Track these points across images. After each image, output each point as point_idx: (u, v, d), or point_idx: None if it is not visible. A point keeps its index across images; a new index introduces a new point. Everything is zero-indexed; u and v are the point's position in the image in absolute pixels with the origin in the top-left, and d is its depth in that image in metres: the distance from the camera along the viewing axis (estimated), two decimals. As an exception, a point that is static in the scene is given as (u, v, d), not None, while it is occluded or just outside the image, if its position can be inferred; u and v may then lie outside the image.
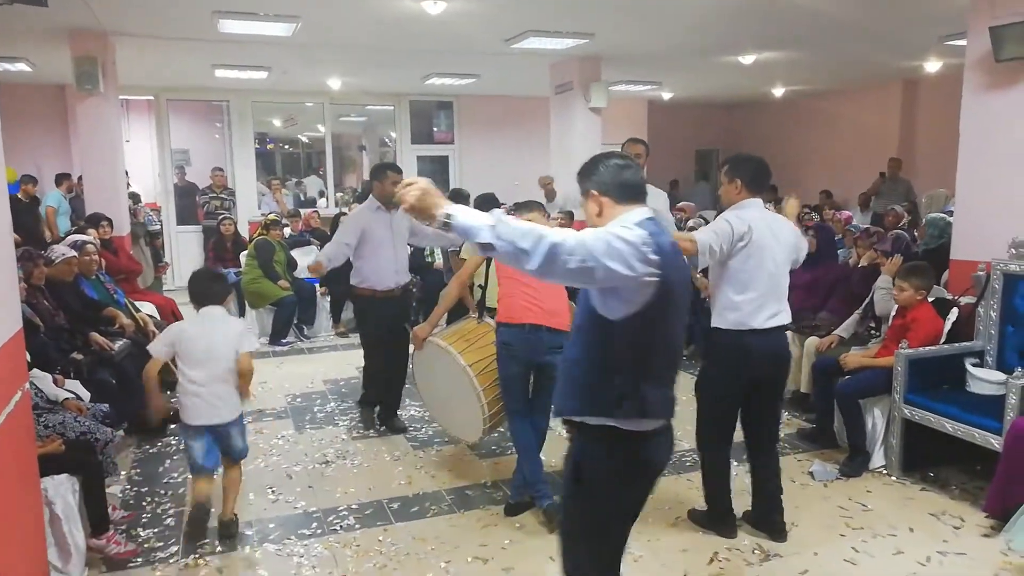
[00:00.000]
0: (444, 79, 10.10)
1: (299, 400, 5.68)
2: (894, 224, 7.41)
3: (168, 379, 5.66)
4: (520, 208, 4.26)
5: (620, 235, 1.93)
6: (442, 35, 7.15)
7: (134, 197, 9.86)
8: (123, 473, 4.20)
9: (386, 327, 4.83)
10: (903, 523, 3.65)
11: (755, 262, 3.30)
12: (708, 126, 14.65)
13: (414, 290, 6.41)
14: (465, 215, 1.86)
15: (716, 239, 3.24)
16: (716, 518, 3.59)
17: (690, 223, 7.76)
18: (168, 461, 4.47)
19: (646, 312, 1.98)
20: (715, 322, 3.43)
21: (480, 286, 4.24)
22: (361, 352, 6.59)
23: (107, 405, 3.92)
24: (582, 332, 2.14)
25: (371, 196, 4.87)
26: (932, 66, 9.46)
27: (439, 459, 4.51)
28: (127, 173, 9.86)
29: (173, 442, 4.75)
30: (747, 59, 8.57)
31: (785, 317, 3.44)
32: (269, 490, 4.07)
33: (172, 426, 4.94)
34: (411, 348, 4.35)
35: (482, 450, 4.61)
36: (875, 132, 11.78)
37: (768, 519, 3.55)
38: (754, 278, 3.31)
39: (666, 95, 12.43)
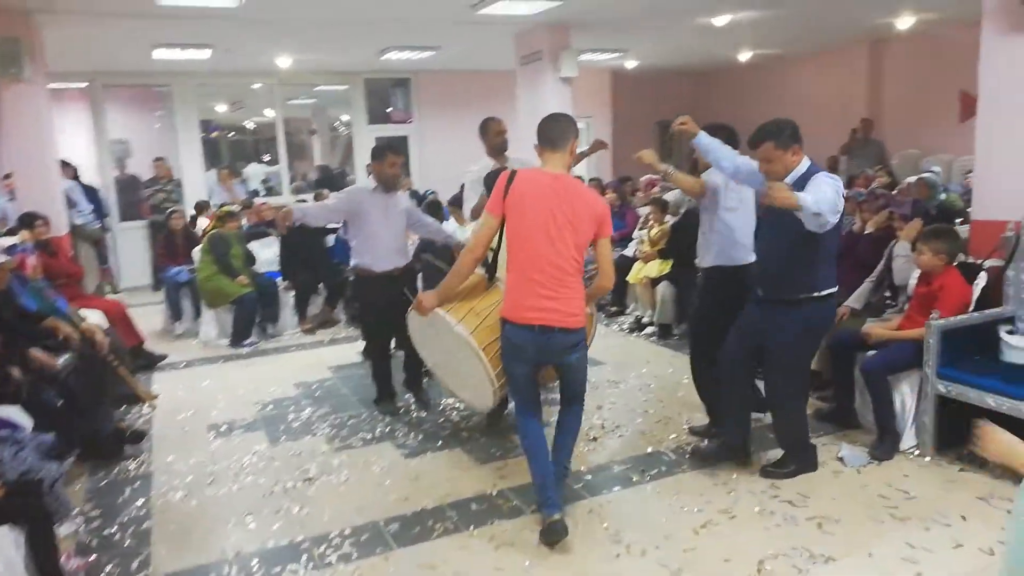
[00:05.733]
0: (403, 53, 9.53)
1: (270, 408, 5.17)
2: (866, 186, 7.24)
3: (123, 392, 5.18)
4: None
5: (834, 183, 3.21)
6: (405, 1, 6.62)
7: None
8: (76, 509, 3.66)
9: (386, 307, 4.66)
10: (953, 510, 3.35)
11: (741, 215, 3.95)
12: (671, 97, 14.27)
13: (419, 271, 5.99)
14: (803, 200, 2.96)
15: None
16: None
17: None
18: (128, 489, 3.94)
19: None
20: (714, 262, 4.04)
21: (492, 249, 3.65)
22: (328, 352, 6.15)
23: (51, 435, 3.38)
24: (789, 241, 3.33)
25: (370, 176, 4.79)
26: (904, 23, 9.21)
27: (434, 468, 4.07)
28: (72, 165, 9.23)
29: (131, 467, 4.23)
30: (720, 20, 8.20)
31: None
32: (247, 517, 3.59)
33: (129, 447, 4.44)
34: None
35: (482, 454, 4.19)
36: (841, 96, 11.56)
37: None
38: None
39: (630, 64, 12.03)
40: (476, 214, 5.15)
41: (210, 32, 7.68)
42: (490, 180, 4.31)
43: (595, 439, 4.37)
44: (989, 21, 4.22)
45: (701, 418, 4.47)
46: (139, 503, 3.78)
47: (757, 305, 3.60)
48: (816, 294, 3.44)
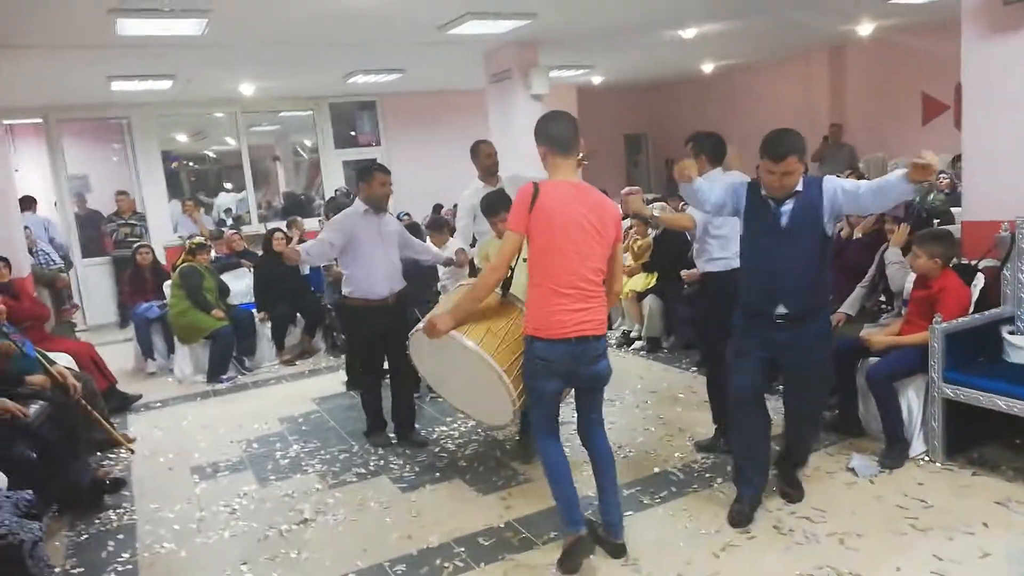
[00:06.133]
0: (368, 76, 9.39)
1: (256, 446, 4.96)
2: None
3: (98, 437, 4.93)
4: (494, 211, 4.10)
5: None
6: (372, 23, 6.51)
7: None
8: (58, 568, 3.43)
9: (380, 338, 4.48)
10: (973, 518, 3.28)
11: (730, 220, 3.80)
12: (636, 111, 14.42)
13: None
14: None
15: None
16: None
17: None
18: (111, 543, 3.71)
19: None
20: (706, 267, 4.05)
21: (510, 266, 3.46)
22: (310, 383, 5.97)
23: (29, 492, 3.15)
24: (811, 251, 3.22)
25: (357, 199, 4.53)
26: (864, 29, 9.36)
27: (435, 501, 3.91)
28: (32, 202, 9.04)
29: (113, 518, 3.98)
30: (688, 33, 8.23)
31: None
32: (243, 566, 3.38)
33: (109, 497, 4.20)
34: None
35: (483, 484, 4.03)
36: (804, 102, 11.71)
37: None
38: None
39: (596, 80, 12.05)
40: (461, 263, 5.01)
41: (171, 62, 7.48)
42: (487, 203, 4.22)
43: (598, 462, 4.23)
44: (969, 22, 4.23)
45: (703, 432, 4.39)
46: (124, 557, 3.56)
47: (770, 325, 3.29)
48: (827, 301, 3.45)
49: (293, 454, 4.74)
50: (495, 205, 4.11)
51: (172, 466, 4.71)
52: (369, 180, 4.42)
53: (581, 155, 5.18)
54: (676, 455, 4.23)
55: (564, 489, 3.12)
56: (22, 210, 9.06)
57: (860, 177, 8.66)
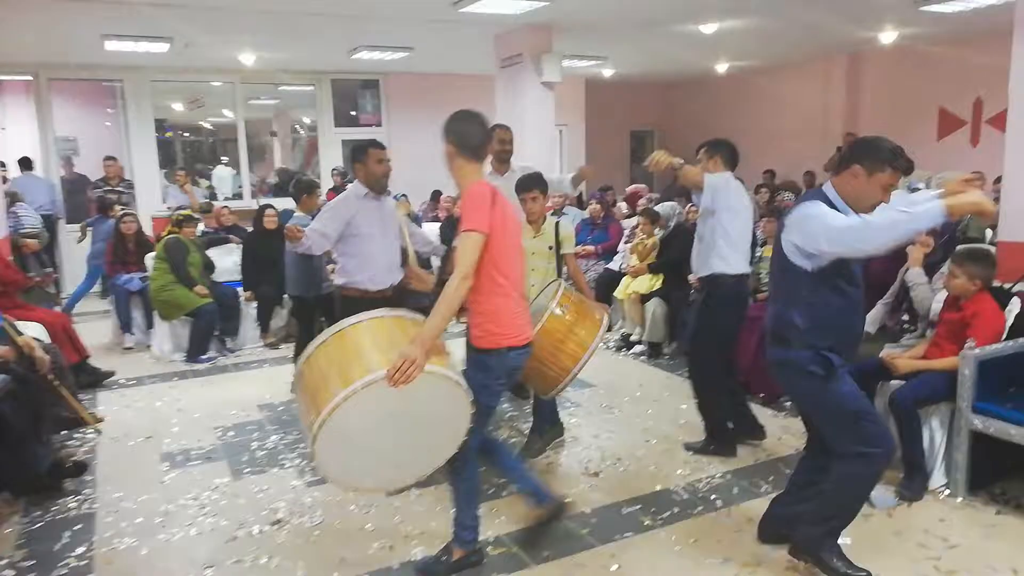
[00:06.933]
0: (374, 53, 9.07)
1: (232, 434, 4.67)
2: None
3: (63, 415, 4.63)
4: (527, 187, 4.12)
5: None
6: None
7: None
8: (5, 559, 3.14)
9: None
10: (1001, 561, 3.04)
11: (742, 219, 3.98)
12: (645, 107, 14.15)
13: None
14: None
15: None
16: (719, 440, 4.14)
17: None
18: (67, 533, 3.42)
19: None
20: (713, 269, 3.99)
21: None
22: (293, 368, 5.68)
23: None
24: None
25: (355, 181, 4.20)
26: (887, 37, 9.09)
27: (419, 508, 3.63)
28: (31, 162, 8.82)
29: (72, 505, 3.69)
30: (708, 28, 7.95)
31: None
32: (207, 570, 3.10)
33: (70, 481, 3.91)
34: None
35: (472, 492, 3.76)
36: (818, 108, 11.48)
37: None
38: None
39: (607, 72, 11.75)
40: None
41: (170, 23, 7.15)
42: (521, 182, 4.18)
43: (596, 474, 3.97)
44: (1022, 28, 3.96)
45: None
46: (80, 551, 3.27)
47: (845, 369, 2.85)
48: None
49: (271, 445, 4.46)
50: (527, 183, 4.13)
51: (140, 451, 4.42)
52: (364, 159, 4.08)
53: (578, 173, 5.01)
54: (679, 472, 3.97)
55: (476, 509, 3.03)
56: (21, 170, 8.82)
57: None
